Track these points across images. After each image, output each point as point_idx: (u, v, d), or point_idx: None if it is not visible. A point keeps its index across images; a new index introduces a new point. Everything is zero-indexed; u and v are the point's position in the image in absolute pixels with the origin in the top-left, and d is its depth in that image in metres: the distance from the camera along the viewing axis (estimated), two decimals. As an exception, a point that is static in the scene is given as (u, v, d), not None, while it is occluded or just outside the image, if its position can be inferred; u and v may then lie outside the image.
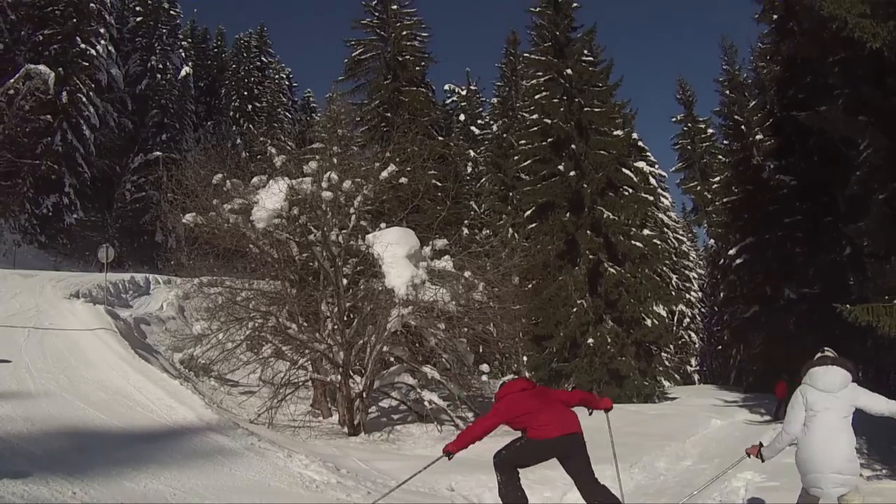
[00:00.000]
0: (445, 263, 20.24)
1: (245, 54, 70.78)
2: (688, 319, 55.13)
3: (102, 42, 45.49)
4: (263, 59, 72.27)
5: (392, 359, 21.48)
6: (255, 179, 19.91)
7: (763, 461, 7.47)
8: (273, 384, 19.83)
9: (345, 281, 20.41)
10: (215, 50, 73.91)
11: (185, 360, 21.14)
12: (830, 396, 6.65)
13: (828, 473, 6.52)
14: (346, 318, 20.13)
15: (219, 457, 10.58)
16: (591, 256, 32.65)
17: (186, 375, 19.86)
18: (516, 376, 8.52)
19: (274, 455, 11.82)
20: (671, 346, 45.51)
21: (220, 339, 20.03)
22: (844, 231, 21.09)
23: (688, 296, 55.26)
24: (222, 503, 8.25)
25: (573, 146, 33.99)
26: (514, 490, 7.69)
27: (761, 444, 7.43)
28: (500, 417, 7.81)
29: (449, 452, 7.91)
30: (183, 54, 62.39)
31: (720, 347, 55.07)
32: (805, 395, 6.81)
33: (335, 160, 21.28)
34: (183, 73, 57.92)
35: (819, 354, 7.04)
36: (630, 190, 34.57)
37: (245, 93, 67.22)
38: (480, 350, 24.01)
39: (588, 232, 32.70)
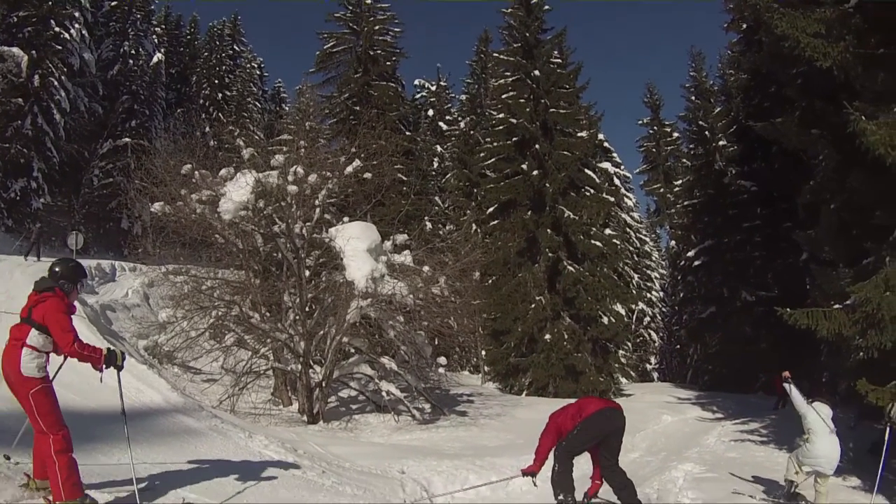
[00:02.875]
0: (405, 258, 20.72)
1: (218, 42, 70.12)
2: (648, 318, 55.67)
3: (76, 26, 44.99)
4: (236, 48, 71.61)
5: (352, 350, 21.89)
6: (223, 171, 20.21)
7: (789, 388, 11.36)
8: (235, 372, 20.17)
9: (307, 272, 20.82)
10: (188, 37, 73.16)
11: (150, 347, 21.24)
12: (828, 420, 10.95)
13: (832, 462, 10.79)
14: (307, 309, 20.51)
15: (185, 436, 11.10)
16: (550, 254, 32.99)
17: (151, 362, 20.10)
18: None
19: (236, 436, 12.39)
20: (629, 344, 46.13)
21: (185, 327, 20.34)
22: (794, 238, 21.51)
23: (649, 295, 55.77)
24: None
25: (537, 146, 34.30)
26: (567, 478, 9.30)
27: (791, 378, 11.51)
28: (553, 424, 9.67)
29: (532, 473, 9.60)
30: (156, 40, 61.73)
31: (679, 347, 55.68)
32: (816, 415, 11.01)
33: (302, 152, 21.63)
34: (155, 59, 57.36)
35: (812, 400, 11.31)
36: (591, 191, 34.90)
37: (216, 81, 66.62)
38: (436, 342, 24.41)
39: (548, 230, 33.03)
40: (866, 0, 14.04)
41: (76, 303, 7.73)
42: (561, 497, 9.26)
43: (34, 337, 6.85)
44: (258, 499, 8.81)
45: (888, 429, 10.36)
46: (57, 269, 7.32)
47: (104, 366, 7.09)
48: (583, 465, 10.04)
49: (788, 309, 14.62)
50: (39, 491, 7.27)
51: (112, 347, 7.19)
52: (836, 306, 14.01)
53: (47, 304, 6.93)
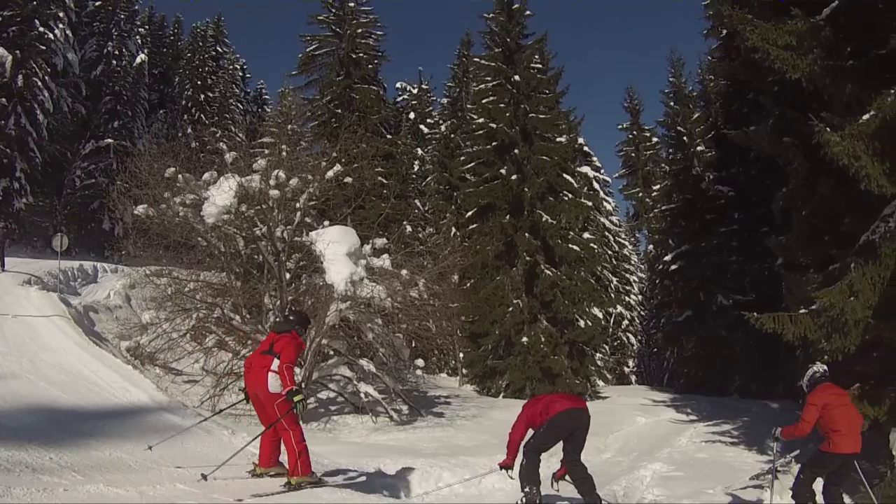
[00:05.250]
0: (384, 262, 21.03)
1: (201, 43, 69.80)
2: (627, 321, 55.91)
3: (61, 26, 44.64)
4: (219, 49, 71.35)
5: (331, 352, 22.19)
6: (206, 175, 20.41)
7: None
8: (216, 374, 20.40)
9: (288, 275, 21.10)
10: (171, 38, 73.14)
11: (132, 348, 21.39)
12: None
13: None
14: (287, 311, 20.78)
15: (171, 432, 11.44)
16: (528, 258, 33.26)
17: (133, 363, 20.31)
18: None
19: (220, 433, 12.86)
20: (606, 347, 46.45)
21: (166, 328, 20.60)
22: (766, 243, 21.83)
23: (627, 298, 56.01)
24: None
25: (517, 151, 34.59)
26: (533, 472, 9.84)
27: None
28: (524, 417, 10.17)
29: (507, 466, 10.24)
30: (139, 41, 61.38)
31: (656, 350, 55.98)
32: None
33: (284, 156, 21.91)
34: (138, 60, 57.09)
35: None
36: (570, 195, 35.19)
37: (198, 82, 66.40)
38: (413, 345, 24.68)
39: (526, 234, 33.33)
40: (837, 11, 14.38)
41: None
42: (527, 489, 9.73)
43: (276, 364, 9.11)
44: (245, 489, 9.16)
45: (775, 445, 10.37)
46: (292, 318, 10.12)
47: (286, 392, 9.04)
48: (554, 464, 10.44)
49: (755, 313, 14.97)
50: (265, 476, 9.63)
51: (303, 399, 9.27)
52: (803, 311, 14.34)
53: (285, 340, 9.31)
